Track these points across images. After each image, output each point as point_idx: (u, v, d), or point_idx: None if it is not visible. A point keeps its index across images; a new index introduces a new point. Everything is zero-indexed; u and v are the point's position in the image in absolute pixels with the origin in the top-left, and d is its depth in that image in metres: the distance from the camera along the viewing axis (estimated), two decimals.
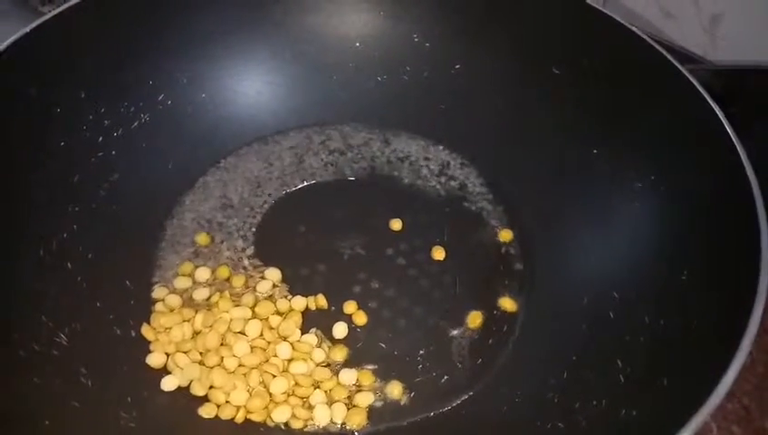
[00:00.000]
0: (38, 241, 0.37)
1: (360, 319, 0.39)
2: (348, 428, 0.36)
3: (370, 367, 0.38)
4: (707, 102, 0.37)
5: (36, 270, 0.36)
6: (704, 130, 0.37)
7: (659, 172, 0.39)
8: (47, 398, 0.31)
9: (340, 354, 0.38)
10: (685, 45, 0.54)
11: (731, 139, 0.35)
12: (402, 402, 0.36)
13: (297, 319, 0.39)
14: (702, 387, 0.27)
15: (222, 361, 0.37)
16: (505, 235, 0.44)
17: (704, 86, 0.37)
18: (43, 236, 0.38)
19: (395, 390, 0.37)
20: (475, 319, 0.40)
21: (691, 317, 0.33)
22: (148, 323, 0.38)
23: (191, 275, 0.41)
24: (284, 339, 0.38)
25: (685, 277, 0.34)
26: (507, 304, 0.40)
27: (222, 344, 0.37)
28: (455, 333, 0.39)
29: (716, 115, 0.36)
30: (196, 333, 0.38)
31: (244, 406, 0.35)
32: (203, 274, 0.41)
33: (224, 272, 0.41)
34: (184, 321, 0.38)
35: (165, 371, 0.37)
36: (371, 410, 0.36)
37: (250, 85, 0.48)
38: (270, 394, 0.36)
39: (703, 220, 0.36)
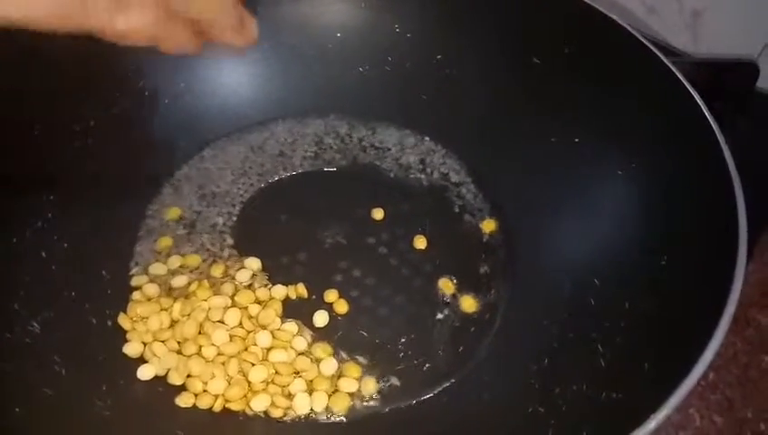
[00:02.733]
0: (12, 229, 0.37)
1: (341, 307, 0.39)
2: (329, 413, 0.35)
3: (351, 356, 0.37)
4: (688, 91, 0.37)
5: (9, 258, 0.36)
6: (684, 120, 0.37)
7: (640, 161, 0.39)
8: (18, 385, 0.31)
9: (324, 352, 0.37)
10: (666, 40, 0.54)
11: (711, 127, 0.35)
12: (383, 390, 0.36)
13: (277, 307, 0.38)
14: (681, 369, 0.27)
15: (200, 349, 0.36)
16: (488, 225, 0.44)
17: (685, 79, 0.38)
18: (16, 225, 0.37)
19: (369, 385, 0.36)
20: (465, 302, 0.40)
21: (670, 302, 0.33)
22: (125, 312, 0.38)
23: (167, 259, 0.40)
24: (264, 328, 0.37)
25: (664, 263, 0.35)
26: (467, 303, 0.40)
27: (200, 333, 0.37)
28: (436, 321, 0.39)
29: (697, 104, 0.36)
30: (173, 323, 0.37)
31: (223, 395, 0.35)
32: (175, 262, 0.40)
33: (193, 260, 0.40)
34: (162, 310, 0.37)
35: (142, 360, 0.36)
36: (352, 398, 0.36)
37: (230, 75, 0.48)
38: (249, 383, 0.35)
39: (683, 208, 0.36)
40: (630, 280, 0.36)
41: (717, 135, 0.35)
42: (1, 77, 0.38)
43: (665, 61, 0.39)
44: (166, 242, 0.41)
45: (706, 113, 0.36)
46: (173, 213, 0.43)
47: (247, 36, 0.26)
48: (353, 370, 0.36)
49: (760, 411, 0.38)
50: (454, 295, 0.40)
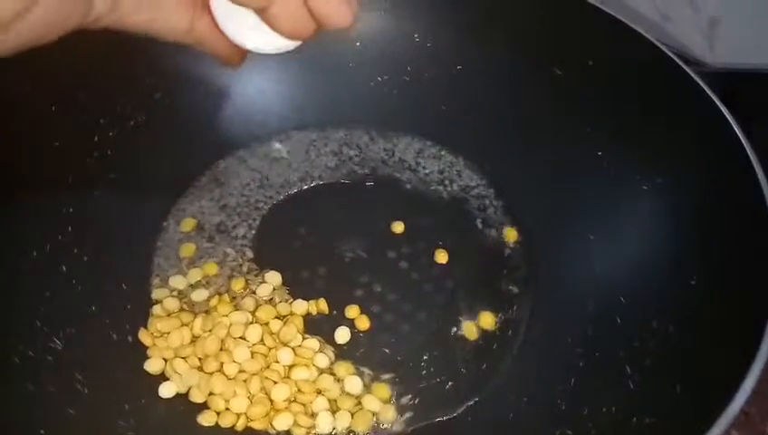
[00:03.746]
0: (31, 244, 0.36)
1: (363, 324, 0.39)
2: (352, 432, 0.35)
3: (374, 374, 0.37)
4: (715, 104, 0.36)
5: (30, 274, 0.36)
6: (710, 131, 0.36)
7: (665, 174, 0.38)
8: (42, 405, 0.30)
9: (346, 371, 0.37)
10: (683, 48, 0.53)
11: (738, 138, 0.35)
12: (405, 410, 0.36)
13: (298, 323, 0.38)
14: (719, 395, 0.26)
15: (222, 366, 0.36)
16: (509, 235, 0.43)
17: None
18: (36, 239, 0.37)
19: (391, 404, 0.36)
20: (485, 319, 0.39)
21: (702, 322, 0.32)
22: (146, 327, 0.37)
23: (187, 270, 0.40)
24: (285, 344, 0.37)
25: (694, 281, 0.34)
26: (487, 320, 0.39)
27: (221, 350, 0.36)
28: (458, 337, 0.39)
29: (724, 117, 0.36)
30: (194, 338, 0.37)
31: (245, 413, 0.34)
32: (195, 275, 0.40)
33: (211, 268, 0.40)
34: (182, 325, 0.37)
35: (163, 377, 0.36)
36: (375, 417, 0.35)
37: (248, 85, 0.47)
38: (271, 401, 0.35)
39: (711, 222, 0.35)
40: (658, 299, 0.35)
41: (748, 150, 0.34)
42: (20, 91, 0.37)
43: (691, 74, 0.38)
44: (189, 250, 0.41)
45: (736, 129, 0.35)
46: (189, 224, 0.43)
47: (353, 7, 0.24)
48: (382, 390, 0.36)
49: None
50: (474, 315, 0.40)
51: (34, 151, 0.38)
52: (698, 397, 0.28)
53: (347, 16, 0.24)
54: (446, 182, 0.46)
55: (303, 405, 0.35)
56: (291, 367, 0.36)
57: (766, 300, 0.29)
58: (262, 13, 0.24)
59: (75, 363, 0.33)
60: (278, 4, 0.24)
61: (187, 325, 0.37)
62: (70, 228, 0.38)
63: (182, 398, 0.35)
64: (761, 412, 0.39)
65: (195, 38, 0.26)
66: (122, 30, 0.25)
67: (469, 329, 0.39)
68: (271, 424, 0.34)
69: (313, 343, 0.37)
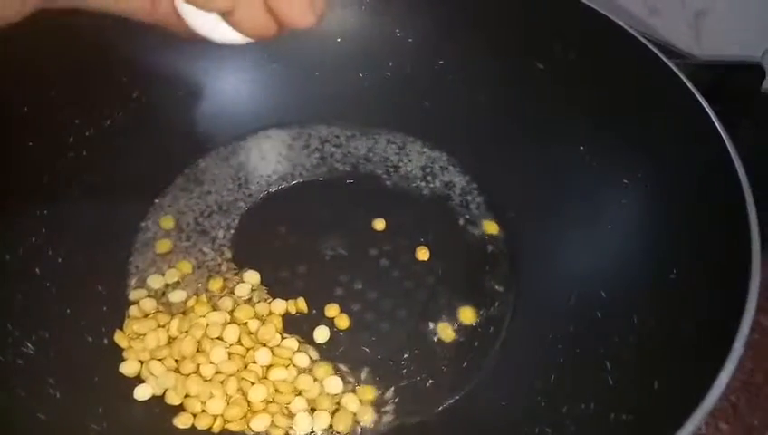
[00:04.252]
0: (3, 246, 0.36)
1: (343, 322, 0.38)
2: (331, 432, 0.34)
3: (353, 373, 0.37)
4: (695, 97, 0.36)
5: (2, 276, 0.35)
6: (691, 126, 0.36)
7: (647, 169, 0.38)
8: (11, 411, 0.30)
9: (325, 372, 0.36)
10: (669, 41, 0.53)
11: (719, 134, 0.34)
12: (385, 409, 0.35)
13: (277, 323, 0.38)
14: (694, 390, 0.26)
15: (198, 368, 0.35)
16: (492, 231, 0.43)
17: (691, 83, 0.37)
18: (8, 242, 0.36)
19: (371, 403, 0.36)
20: (466, 315, 0.39)
21: (681, 317, 0.32)
22: (122, 329, 0.37)
23: (164, 270, 0.40)
24: (263, 344, 0.37)
25: (674, 276, 0.34)
26: (468, 315, 0.39)
27: (198, 351, 0.36)
28: (439, 335, 0.38)
29: (704, 110, 0.36)
30: (171, 340, 0.36)
31: (222, 415, 0.34)
32: (172, 275, 0.40)
33: (185, 267, 0.40)
34: (159, 327, 0.37)
35: (139, 379, 0.35)
36: (354, 417, 0.35)
37: (228, 83, 0.47)
38: (248, 402, 0.34)
39: (692, 217, 0.35)
40: (638, 293, 0.35)
41: (727, 144, 0.34)
42: None
43: (674, 69, 0.38)
44: (165, 246, 0.41)
45: (716, 122, 0.35)
46: (167, 222, 0.42)
47: (318, 8, 0.24)
48: (362, 390, 0.36)
49: (766, 417, 0.38)
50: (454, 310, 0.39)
51: (7, 152, 0.38)
52: (675, 392, 0.28)
53: (310, 18, 0.24)
54: (429, 178, 0.46)
55: (281, 406, 0.35)
56: (269, 367, 0.36)
57: (744, 294, 0.28)
58: (225, 16, 0.24)
59: (48, 367, 0.33)
60: (241, 9, 0.24)
61: (163, 327, 0.37)
62: (44, 230, 0.38)
63: (158, 400, 0.35)
64: (748, 405, 0.39)
65: (158, 19, 0.26)
66: (84, 8, 0.24)
67: (450, 327, 0.39)
68: (248, 425, 0.34)
69: (292, 342, 0.37)
